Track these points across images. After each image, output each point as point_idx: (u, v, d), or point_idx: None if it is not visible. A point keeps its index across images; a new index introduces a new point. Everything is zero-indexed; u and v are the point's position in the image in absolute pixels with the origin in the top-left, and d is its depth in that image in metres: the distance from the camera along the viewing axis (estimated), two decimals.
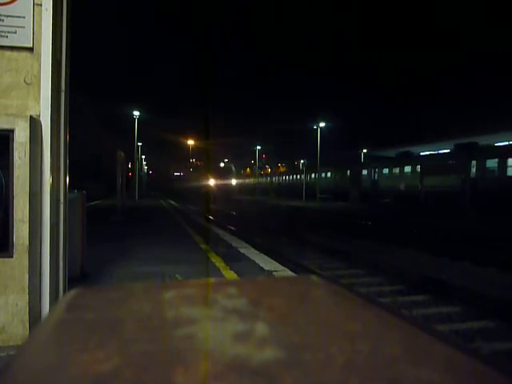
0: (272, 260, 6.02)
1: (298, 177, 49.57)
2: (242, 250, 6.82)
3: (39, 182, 2.74)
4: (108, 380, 0.38)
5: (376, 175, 32.31)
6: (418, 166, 27.31)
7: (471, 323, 4.58)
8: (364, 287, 6.18)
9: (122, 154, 14.19)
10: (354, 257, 8.33)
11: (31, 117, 2.65)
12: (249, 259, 6.04)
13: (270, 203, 35.23)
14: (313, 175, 43.74)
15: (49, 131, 2.76)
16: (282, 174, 62.94)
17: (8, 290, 2.60)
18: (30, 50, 2.72)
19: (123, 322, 0.54)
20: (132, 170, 38.84)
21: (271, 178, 61.25)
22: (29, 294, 2.63)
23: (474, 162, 22.34)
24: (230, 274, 4.97)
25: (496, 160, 21.29)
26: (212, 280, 0.78)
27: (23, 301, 2.62)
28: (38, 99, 2.73)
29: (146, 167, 69.51)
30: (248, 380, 0.38)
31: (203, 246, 7.34)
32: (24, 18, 2.69)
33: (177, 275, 4.76)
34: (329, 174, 40.71)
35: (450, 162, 24.61)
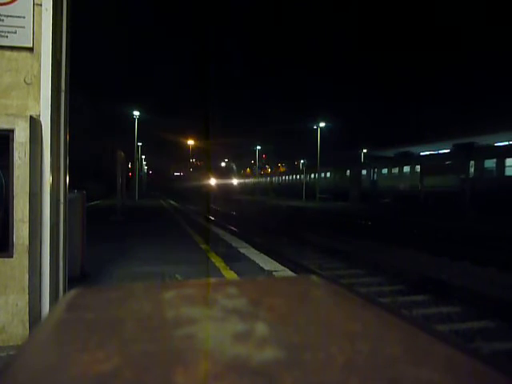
0: (272, 260, 6.02)
1: (298, 177, 49.58)
2: (241, 250, 6.82)
3: (39, 182, 2.74)
4: (108, 380, 0.38)
5: (375, 175, 32.33)
6: (417, 166, 27.33)
7: (471, 323, 4.58)
8: (364, 287, 6.18)
9: (122, 154, 14.19)
10: (353, 257, 8.33)
11: (31, 117, 2.65)
12: (249, 259, 6.04)
13: (270, 203, 35.22)
14: (312, 175, 43.75)
15: (49, 131, 2.76)
16: (281, 173, 62.95)
17: (8, 290, 2.60)
18: (30, 50, 2.72)
19: (123, 322, 0.54)
20: (132, 170, 38.85)
21: (271, 178, 61.25)
22: (29, 294, 2.63)
23: (472, 163, 22.37)
24: (230, 274, 4.97)
25: (494, 160, 21.33)
26: (212, 280, 0.78)
27: (23, 301, 2.62)
28: (38, 99, 2.73)
29: (146, 167, 69.51)
30: (248, 380, 0.38)
31: (203, 246, 7.34)
32: (24, 18, 2.69)
33: (177, 275, 4.76)
34: (328, 174, 40.72)
35: (449, 162, 24.64)
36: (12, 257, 2.60)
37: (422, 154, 30.11)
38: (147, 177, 72.65)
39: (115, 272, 4.96)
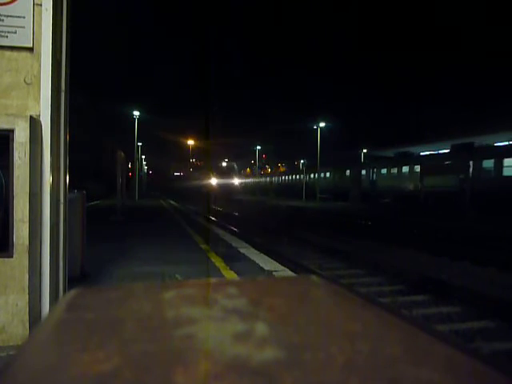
0: (272, 260, 6.02)
1: (298, 177, 49.58)
2: (241, 250, 6.82)
3: (39, 182, 2.74)
4: (108, 380, 0.38)
5: (374, 175, 32.34)
6: (416, 166, 27.36)
7: (471, 323, 4.58)
8: (364, 287, 6.18)
9: (122, 154, 14.20)
10: (353, 257, 8.33)
11: (31, 117, 2.65)
12: (249, 259, 6.04)
13: (270, 203, 35.22)
14: (312, 175, 43.75)
15: (49, 131, 2.76)
16: (281, 174, 62.95)
17: (8, 290, 2.60)
18: (30, 50, 2.72)
19: (123, 322, 0.54)
20: (132, 169, 38.84)
21: (271, 178, 61.25)
22: (29, 293, 2.63)
23: (470, 163, 22.41)
24: (230, 274, 4.97)
25: (492, 160, 21.37)
26: (212, 280, 0.78)
27: (23, 301, 2.62)
28: (38, 99, 2.73)
29: (146, 167, 69.51)
30: (248, 380, 0.38)
31: (203, 246, 7.34)
32: (24, 18, 2.69)
33: (177, 275, 4.76)
34: (328, 174, 40.72)
35: (448, 162, 24.67)
36: (12, 257, 2.60)
37: (422, 154, 30.14)
38: (147, 177, 72.67)
39: (115, 272, 4.96)
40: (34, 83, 2.72)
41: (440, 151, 28.74)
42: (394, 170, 29.88)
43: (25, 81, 2.71)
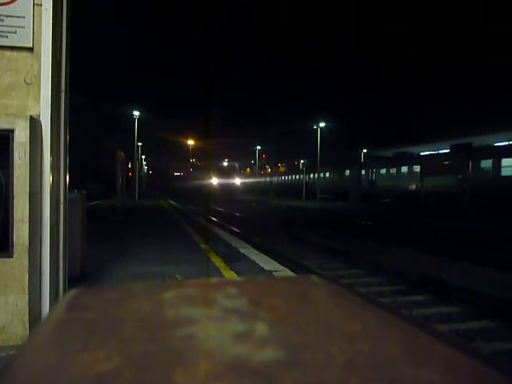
0: (272, 260, 6.02)
1: (298, 177, 49.58)
2: (241, 250, 6.82)
3: (39, 182, 2.74)
4: (108, 380, 0.38)
5: (373, 175, 32.36)
6: (415, 167, 27.37)
7: (471, 323, 4.58)
8: (364, 287, 6.18)
9: (122, 154, 14.20)
10: (353, 257, 8.33)
11: (31, 117, 2.65)
12: (249, 259, 6.04)
13: (270, 203, 35.22)
14: (312, 175, 43.75)
15: (49, 131, 2.76)
16: (281, 174, 62.95)
17: (8, 290, 2.60)
18: (30, 50, 2.72)
19: (123, 322, 0.54)
20: (132, 169, 38.84)
21: (271, 178, 61.25)
22: (29, 293, 2.63)
23: (468, 163, 22.44)
24: (230, 274, 4.97)
25: (490, 160, 21.40)
26: (212, 280, 0.78)
27: (23, 301, 2.62)
28: (38, 99, 2.73)
29: (145, 167, 69.51)
30: (248, 380, 0.38)
31: (203, 246, 7.34)
32: (24, 18, 2.69)
33: (177, 275, 4.76)
34: (328, 174, 40.73)
35: (447, 162, 24.69)
36: (12, 257, 2.60)
37: (422, 154, 30.15)
38: (147, 177, 72.68)
39: (115, 272, 4.96)
40: (33, 83, 2.72)
41: (440, 151, 28.75)
42: (393, 170, 29.90)
43: (25, 81, 2.71)
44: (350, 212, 22.83)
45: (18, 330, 2.60)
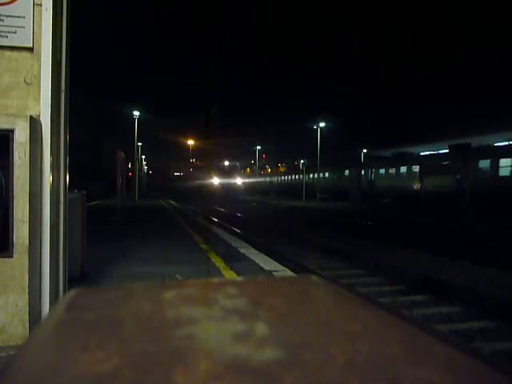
0: (272, 260, 6.02)
1: (298, 177, 49.59)
2: (241, 250, 6.82)
3: (39, 182, 2.74)
4: (108, 380, 0.38)
5: (373, 175, 32.37)
6: (414, 167, 27.38)
7: (471, 323, 4.58)
8: (364, 287, 6.18)
9: (122, 154, 14.21)
10: (353, 257, 8.33)
11: (31, 117, 2.65)
12: (249, 259, 6.04)
13: (271, 203, 35.23)
14: (312, 175, 43.75)
15: (49, 131, 2.76)
16: (281, 174, 62.99)
17: (8, 290, 2.60)
18: (30, 50, 2.72)
19: (123, 322, 0.54)
20: (132, 169, 38.86)
21: (271, 178, 61.27)
22: (29, 294, 2.63)
23: (466, 163, 22.47)
24: (230, 274, 4.97)
25: (488, 161, 21.43)
26: (212, 280, 0.78)
27: (23, 301, 2.62)
28: (37, 99, 2.73)
29: (146, 167, 69.54)
30: (248, 380, 0.38)
31: (203, 246, 7.34)
32: (24, 18, 2.69)
33: (177, 275, 4.76)
34: (328, 174, 40.73)
35: (446, 162, 24.72)
36: (12, 257, 2.60)
37: (422, 154, 30.16)
38: (147, 177, 72.70)
39: (115, 272, 4.96)
40: (33, 83, 2.72)
41: (440, 151, 28.77)
42: (392, 170, 29.91)
43: (25, 81, 2.71)
44: (350, 212, 22.83)
45: (18, 330, 2.60)
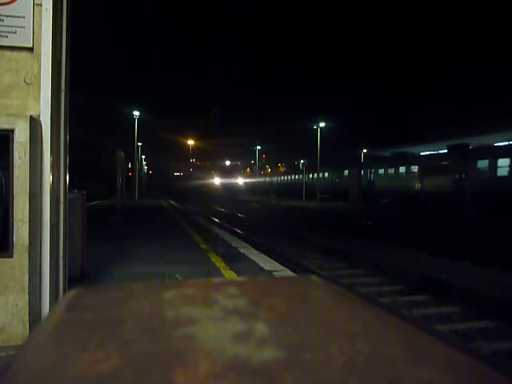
0: (272, 260, 6.02)
1: (298, 177, 49.59)
2: (241, 250, 6.82)
3: (39, 182, 2.74)
4: (108, 380, 0.38)
5: (372, 175, 32.37)
6: (413, 167, 27.38)
7: (471, 323, 4.58)
8: (364, 287, 6.18)
9: (122, 154, 14.21)
10: (353, 257, 8.33)
11: (31, 117, 2.65)
12: (249, 259, 6.04)
13: (270, 203, 35.23)
14: (312, 175, 43.74)
15: (49, 131, 2.76)
16: (281, 173, 62.99)
17: (8, 290, 2.60)
18: (30, 50, 2.72)
19: (123, 322, 0.53)
20: (132, 169, 38.85)
21: (271, 178, 61.27)
22: (29, 293, 2.63)
23: (465, 163, 22.49)
24: (230, 274, 4.97)
25: (487, 161, 21.45)
26: (212, 280, 0.78)
27: (23, 301, 2.62)
28: (38, 99, 2.73)
29: (146, 167, 69.52)
30: (248, 380, 0.38)
31: (203, 246, 7.34)
32: (24, 18, 2.69)
33: (177, 275, 4.76)
34: (328, 174, 40.73)
35: (444, 162, 24.73)
36: (12, 257, 2.60)
37: (422, 154, 30.16)
38: (147, 177, 72.69)
39: (115, 272, 4.96)
40: (33, 83, 2.72)
41: (440, 151, 28.76)
42: (392, 170, 29.91)
43: (25, 81, 2.71)
44: (350, 212, 22.83)
45: (18, 330, 2.60)
